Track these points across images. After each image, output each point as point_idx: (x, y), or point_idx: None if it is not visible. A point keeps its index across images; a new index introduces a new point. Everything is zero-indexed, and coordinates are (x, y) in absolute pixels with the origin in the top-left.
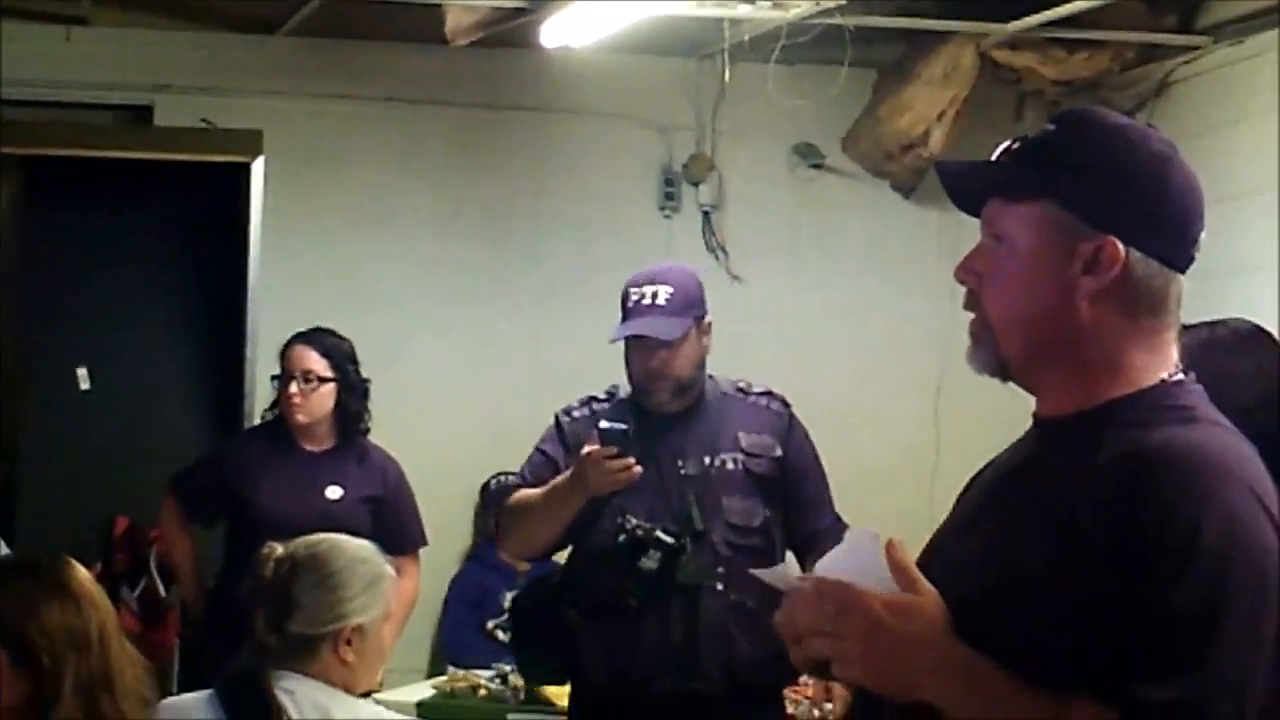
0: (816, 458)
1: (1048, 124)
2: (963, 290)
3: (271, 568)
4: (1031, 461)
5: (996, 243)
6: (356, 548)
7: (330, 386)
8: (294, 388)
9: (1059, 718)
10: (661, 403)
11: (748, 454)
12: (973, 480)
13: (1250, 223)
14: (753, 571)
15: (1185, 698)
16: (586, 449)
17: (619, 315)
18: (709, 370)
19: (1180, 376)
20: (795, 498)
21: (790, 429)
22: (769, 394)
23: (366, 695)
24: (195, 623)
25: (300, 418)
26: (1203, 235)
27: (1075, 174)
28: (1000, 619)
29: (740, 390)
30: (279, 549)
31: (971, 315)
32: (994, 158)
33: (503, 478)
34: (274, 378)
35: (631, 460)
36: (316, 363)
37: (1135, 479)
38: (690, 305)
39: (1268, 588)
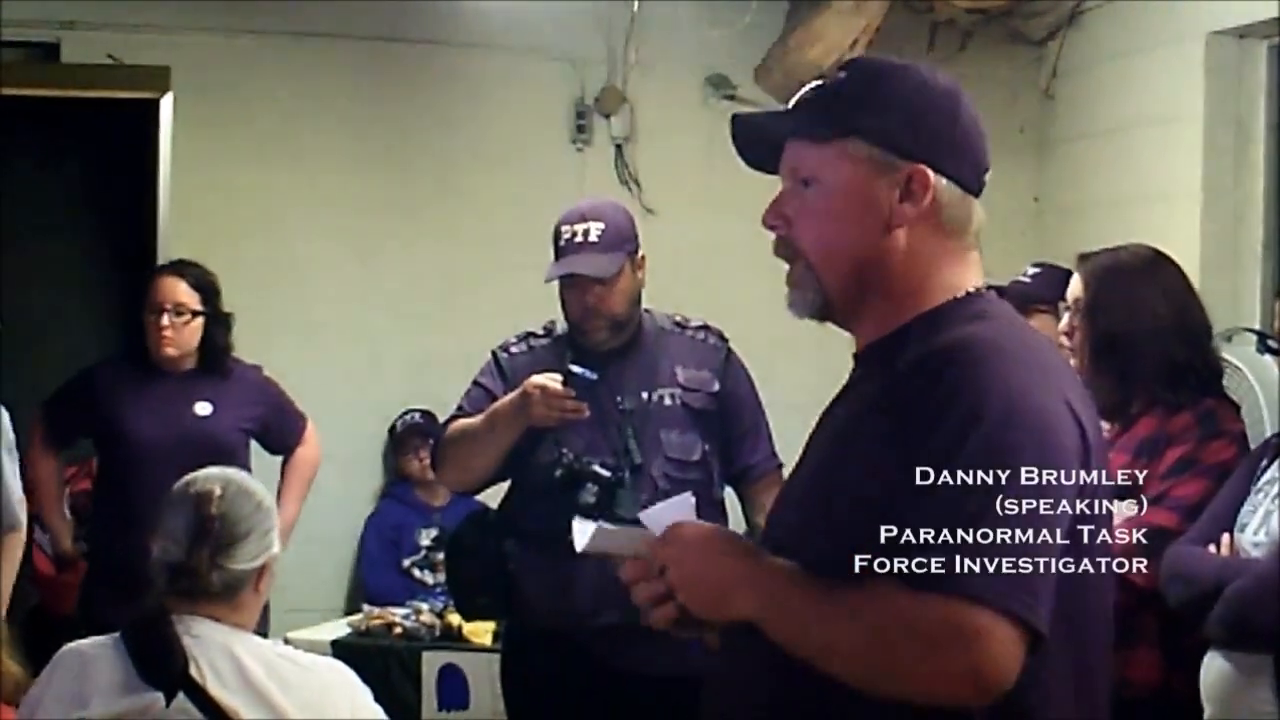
0: (754, 391)
1: (838, 74)
2: None
3: (214, 506)
4: (850, 386)
5: (804, 186)
6: (253, 480)
7: (200, 320)
8: (165, 320)
9: (860, 603)
10: (599, 340)
11: (685, 389)
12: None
13: (1167, 149)
14: (582, 550)
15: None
16: (539, 377)
17: (535, 250)
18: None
19: (984, 290)
20: (732, 432)
21: (728, 363)
22: (706, 328)
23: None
24: (63, 554)
25: (170, 351)
26: (989, 168)
27: (877, 110)
28: (824, 533)
29: (678, 325)
30: (215, 488)
31: (792, 265)
32: (788, 107)
33: (409, 417)
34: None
35: (584, 405)
36: (187, 295)
37: (925, 372)
38: (623, 240)
39: (1055, 457)
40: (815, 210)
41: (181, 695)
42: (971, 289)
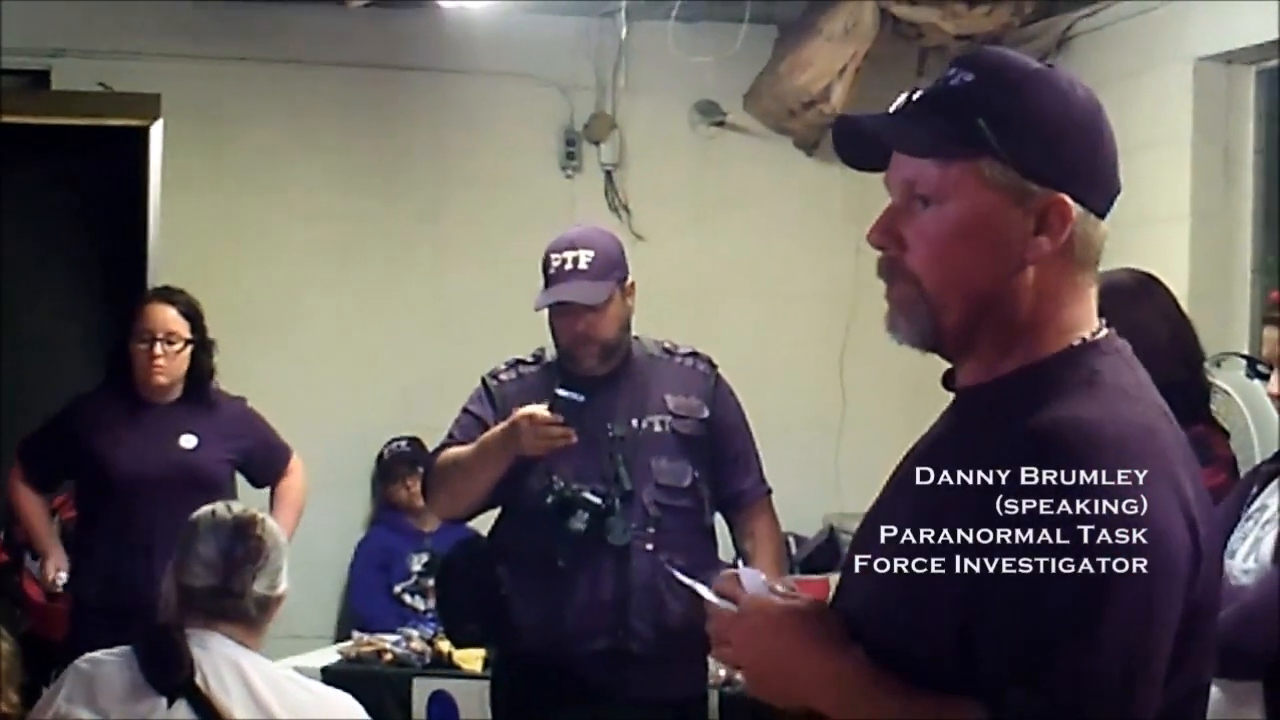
0: (743, 417)
1: (961, 71)
2: (869, 248)
3: (259, 529)
4: (947, 437)
5: (921, 204)
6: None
7: (189, 348)
8: (159, 349)
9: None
10: (589, 367)
11: (675, 416)
12: (907, 455)
13: (1156, 174)
14: (680, 579)
15: (1056, 700)
16: (529, 408)
17: (525, 277)
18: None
19: (1100, 335)
20: (721, 458)
21: (716, 389)
22: (695, 354)
23: None
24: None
25: (161, 380)
26: (1121, 190)
27: (1015, 127)
28: (904, 606)
29: (666, 351)
30: (257, 514)
31: (896, 284)
32: (898, 108)
33: (396, 445)
34: (129, 337)
35: (571, 430)
36: (178, 324)
37: (1023, 459)
38: (613, 268)
39: (1165, 578)
40: (936, 235)
41: (184, 703)
42: (1088, 334)
